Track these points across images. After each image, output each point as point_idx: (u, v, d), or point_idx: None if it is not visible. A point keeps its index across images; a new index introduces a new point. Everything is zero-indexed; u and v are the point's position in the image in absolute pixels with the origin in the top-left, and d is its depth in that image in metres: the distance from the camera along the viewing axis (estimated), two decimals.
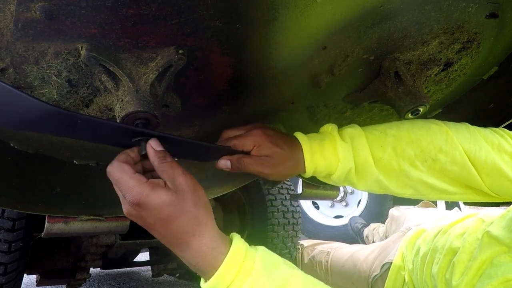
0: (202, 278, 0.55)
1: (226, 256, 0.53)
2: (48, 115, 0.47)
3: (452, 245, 1.00)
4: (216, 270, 0.52)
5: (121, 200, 0.54)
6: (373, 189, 0.74)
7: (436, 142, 0.70)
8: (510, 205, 0.94)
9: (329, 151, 0.70)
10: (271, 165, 0.69)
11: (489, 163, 0.69)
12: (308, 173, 0.72)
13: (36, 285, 1.64)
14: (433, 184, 0.71)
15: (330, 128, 0.74)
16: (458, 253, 0.95)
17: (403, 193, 0.74)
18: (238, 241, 0.55)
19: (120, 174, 0.53)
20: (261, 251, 0.56)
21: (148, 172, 0.59)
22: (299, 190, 1.41)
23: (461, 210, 2.92)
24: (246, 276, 0.52)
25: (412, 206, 3.08)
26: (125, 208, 0.54)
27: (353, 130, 0.72)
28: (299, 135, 0.72)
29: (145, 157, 0.56)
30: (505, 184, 0.70)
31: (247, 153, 0.69)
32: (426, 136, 0.71)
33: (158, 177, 0.56)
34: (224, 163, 0.69)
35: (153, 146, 0.55)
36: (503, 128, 0.75)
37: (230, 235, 0.58)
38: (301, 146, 0.70)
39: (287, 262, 0.57)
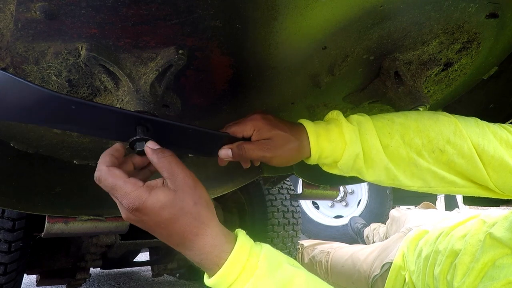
0: (206, 274, 0.55)
1: (229, 254, 0.52)
2: (41, 99, 0.46)
3: (454, 247, 1.00)
4: (219, 268, 0.52)
5: (118, 206, 0.53)
6: (382, 179, 0.71)
7: (445, 133, 0.69)
8: (510, 205, 0.94)
9: (335, 134, 0.68)
10: (272, 148, 0.66)
11: (496, 158, 0.68)
12: (314, 157, 0.69)
13: (36, 285, 1.64)
14: (442, 175, 0.69)
15: (335, 114, 0.72)
16: (459, 255, 0.94)
17: (411, 185, 0.72)
18: (242, 239, 0.55)
19: (114, 180, 0.50)
20: (266, 250, 0.55)
21: (140, 170, 0.58)
22: (299, 190, 1.41)
23: (461, 211, 2.92)
24: (249, 275, 0.52)
25: (413, 207, 3.09)
26: (124, 214, 0.52)
27: (359, 117, 0.70)
28: (303, 120, 0.70)
29: (140, 153, 0.55)
30: (511, 181, 0.69)
31: (248, 140, 0.68)
32: (434, 126, 0.69)
33: (152, 173, 0.55)
34: (225, 152, 0.66)
35: (150, 147, 0.54)
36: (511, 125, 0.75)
37: (235, 231, 0.57)
38: (306, 130, 0.68)
39: (292, 260, 0.57)
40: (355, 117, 0.70)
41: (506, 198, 0.74)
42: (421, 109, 0.77)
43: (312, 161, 0.71)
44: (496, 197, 0.74)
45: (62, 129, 0.55)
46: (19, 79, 0.44)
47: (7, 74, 0.44)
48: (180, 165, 0.53)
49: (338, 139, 0.68)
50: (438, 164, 0.69)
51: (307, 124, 0.69)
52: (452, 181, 0.70)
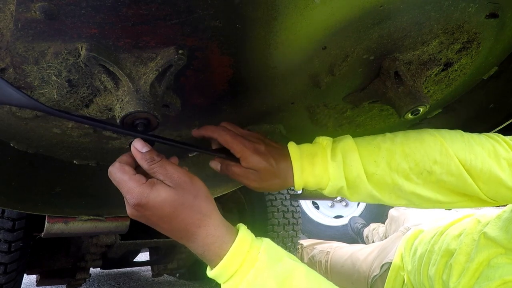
0: (208, 266, 0.56)
1: (231, 245, 0.54)
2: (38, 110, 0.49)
3: (449, 246, 1.00)
4: (221, 259, 0.53)
5: (125, 201, 0.54)
6: (367, 201, 0.75)
7: (431, 154, 0.70)
8: (506, 205, 0.94)
9: (319, 169, 0.70)
10: (257, 180, 0.69)
11: (485, 171, 0.68)
12: (298, 189, 0.72)
13: (36, 285, 1.64)
14: (427, 196, 0.71)
15: (324, 143, 0.73)
16: (455, 255, 0.95)
17: (397, 204, 0.74)
18: (244, 232, 0.56)
19: (121, 175, 0.53)
20: (266, 244, 0.57)
21: None
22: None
23: (459, 210, 2.91)
24: (250, 267, 0.53)
25: None
26: (128, 209, 0.54)
27: (345, 145, 0.72)
28: (291, 149, 0.72)
29: None
30: (502, 191, 0.69)
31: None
32: (420, 148, 0.70)
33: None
34: (215, 165, 0.72)
35: (138, 149, 0.54)
36: (497, 133, 0.75)
37: (237, 225, 0.59)
38: (291, 162, 0.70)
39: (291, 255, 0.58)
40: (340, 146, 0.72)
41: (498, 205, 0.75)
42: (421, 109, 0.77)
43: (296, 190, 0.74)
44: (488, 206, 0.75)
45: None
46: (19, 92, 0.45)
47: (9, 85, 0.45)
48: (172, 166, 0.55)
49: (322, 175, 0.70)
50: (427, 184, 0.71)
51: (294, 156, 0.71)
52: (437, 200, 0.72)
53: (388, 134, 0.75)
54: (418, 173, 0.70)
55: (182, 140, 0.62)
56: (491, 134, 0.75)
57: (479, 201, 0.73)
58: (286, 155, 0.71)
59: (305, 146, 0.73)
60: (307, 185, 0.72)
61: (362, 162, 0.70)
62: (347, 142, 0.72)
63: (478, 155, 0.69)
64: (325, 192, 0.72)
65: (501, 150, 0.70)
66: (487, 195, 0.70)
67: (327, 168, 0.70)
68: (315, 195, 1.38)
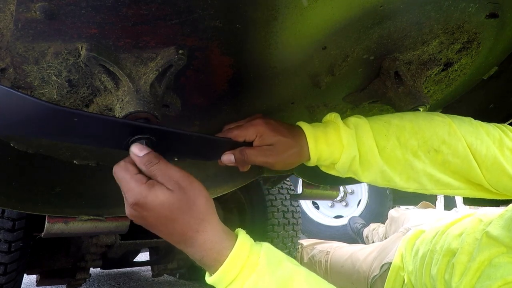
0: (207, 272, 0.55)
1: (230, 250, 0.53)
2: (44, 113, 0.47)
3: (450, 245, 1.00)
4: (221, 265, 0.52)
5: (124, 200, 0.54)
6: (377, 181, 0.72)
7: (440, 133, 0.70)
8: (509, 204, 0.94)
9: (333, 137, 0.69)
10: (275, 154, 0.67)
11: (489, 157, 0.68)
12: (313, 160, 0.70)
13: (36, 285, 1.64)
14: (437, 176, 0.70)
15: (333, 116, 0.73)
16: (457, 254, 0.94)
17: (407, 187, 0.73)
18: (243, 237, 0.55)
19: (123, 173, 0.52)
20: (266, 248, 0.56)
21: None
22: (299, 190, 1.41)
23: (459, 211, 2.91)
24: (250, 272, 0.52)
25: (412, 207, 3.09)
26: (127, 209, 0.53)
27: (357, 119, 0.71)
28: (302, 123, 0.71)
29: None
30: (504, 180, 0.70)
31: (249, 144, 0.68)
32: (429, 127, 0.70)
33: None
34: (228, 158, 0.68)
35: (135, 153, 0.53)
36: (506, 124, 0.75)
37: (236, 230, 0.58)
38: (305, 134, 0.69)
39: (291, 259, 0.58)
40: (352, 119, 0.71)
41: (501, 198, 0.75)
42: (421, 109, 0.77)
43: (312, 163, 0.72)
44: (492, 197, 0.75)
45: (60, 141, 0.55)
46: (20, 93, 0.45)
47: (7, 88, 0.44)
48: (172, 168, 0.54)
49: (336, 142, 0.69)
50: (433, 164, 0.70)
51: (306, 128, 0.70)
52: (447, 183, 0.71)
53: (397, 113, 0.75)
54: (425, 151, 0.69)
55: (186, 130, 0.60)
56: (500, 124, 0.75)
57: (483, 190, 0.73)
58: (298, 128, 0.71)
59: (315, 123, 0.73)
60: (321, 157, 0.70)
61: (373, 135, 0.69)
62: (358, 117, 0.72)
63: (484, 141, 0.69)
64: (338, 166, 0.70)
65: (506, 140, 0.71)
66: (490, 182, 0.70)
67: (340, 135, 0.69)
68: (315, 195, 1.38)
